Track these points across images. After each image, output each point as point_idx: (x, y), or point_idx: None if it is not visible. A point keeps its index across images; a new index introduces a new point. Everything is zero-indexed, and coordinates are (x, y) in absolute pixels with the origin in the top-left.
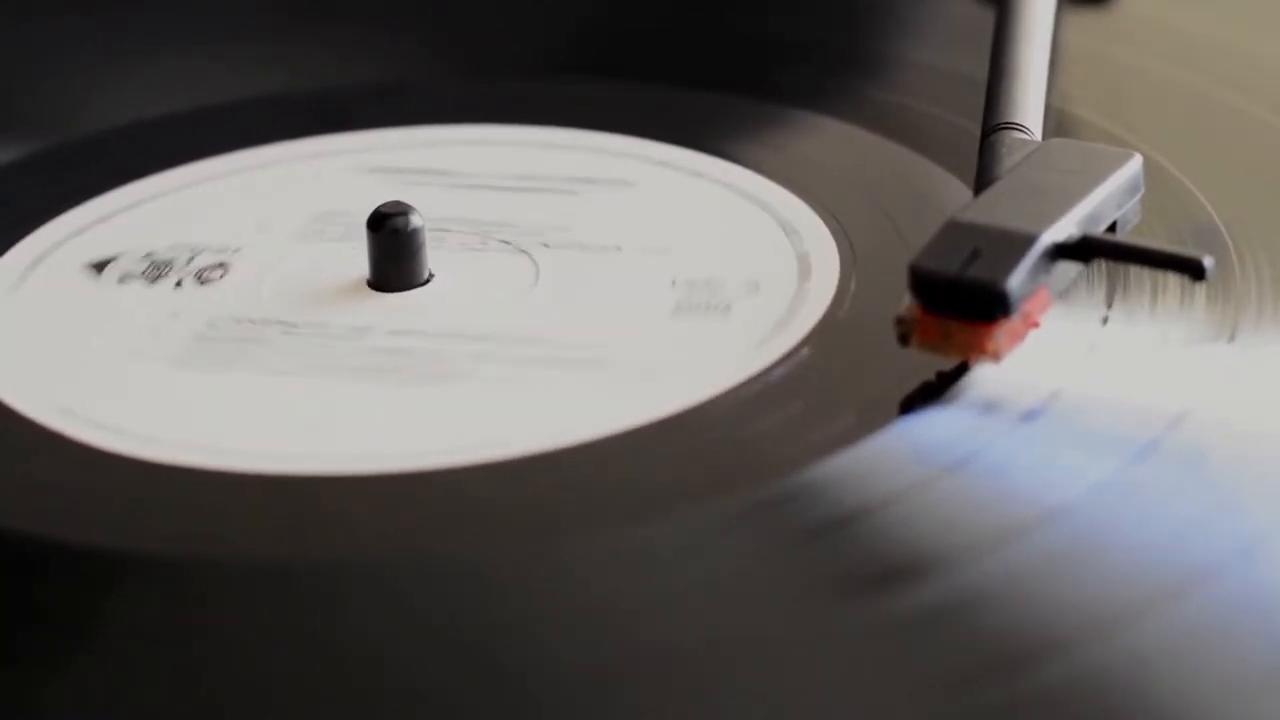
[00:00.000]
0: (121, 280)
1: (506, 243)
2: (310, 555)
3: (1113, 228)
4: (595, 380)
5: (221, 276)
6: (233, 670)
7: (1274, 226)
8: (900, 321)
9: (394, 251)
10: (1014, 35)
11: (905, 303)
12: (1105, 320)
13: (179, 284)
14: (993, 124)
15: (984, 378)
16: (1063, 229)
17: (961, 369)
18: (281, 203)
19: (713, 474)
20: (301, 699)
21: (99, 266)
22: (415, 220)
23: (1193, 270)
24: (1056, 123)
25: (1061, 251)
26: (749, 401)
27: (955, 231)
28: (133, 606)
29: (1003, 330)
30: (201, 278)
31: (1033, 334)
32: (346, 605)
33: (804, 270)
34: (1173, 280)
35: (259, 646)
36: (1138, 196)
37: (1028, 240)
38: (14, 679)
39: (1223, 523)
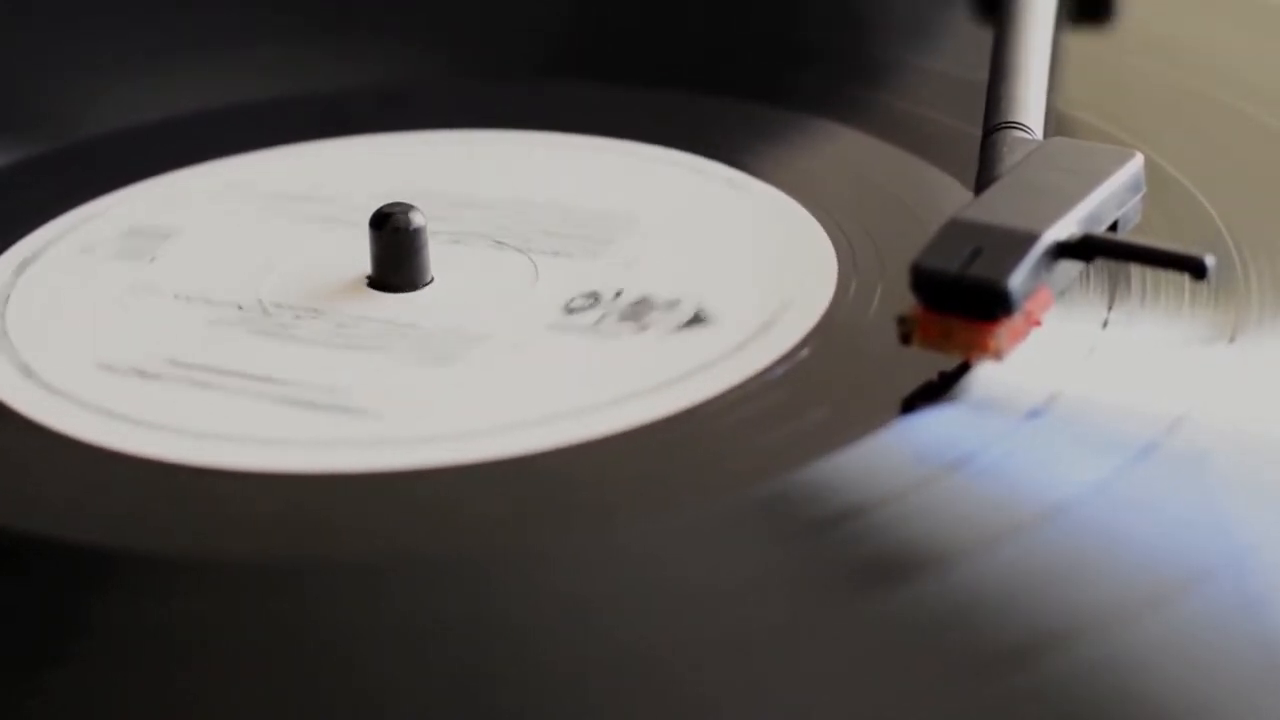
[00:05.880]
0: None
1: (506, 245)
2: (309, 555)
3: (1114, 227)
4: (594, 379)
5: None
6: (229, 670)
7: (1274, 228)
8: (902, 320)
9: (396, 250)
10: (1015, 35)
11: (907, 302)
12: (1106, 322)
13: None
14: (994, 123)
15: (985, 377)
16: (1064, 228)
17: (963, 368)
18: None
19: (713, 473)
20: (299, 698)
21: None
22: (417, 219)
23: (1194, 269)
24: (1058, 128)
25: (1063, 250)
26: (750, 401)
27: (957, 230)
28: (130, 606)
29: (1004, 329)
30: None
31: (1034, 333)
32: (345, 605)
33: (805, 270)
34: (1174, 281)
35: (256, 646)
36: (1139, 195)
37: (1029, 239)
38: (11, 678)
39: (1222, 524)
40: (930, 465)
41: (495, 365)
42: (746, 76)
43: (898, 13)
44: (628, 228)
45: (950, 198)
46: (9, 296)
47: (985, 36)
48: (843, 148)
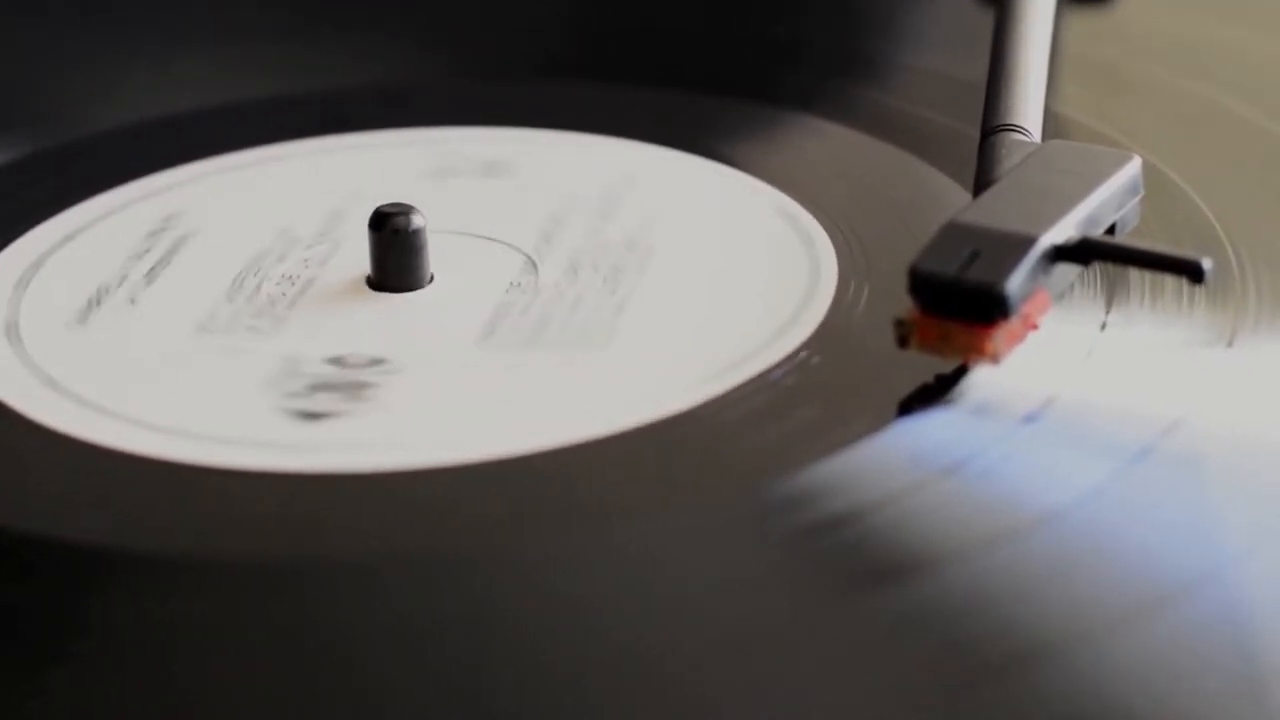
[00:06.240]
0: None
1: (506, 243)
2: (309, 555)
3: (1112, 230)
4: (593, 382)
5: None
6: (229, 670)
7: (1272, 231)
8: (899, 323)
9: (396, 251)
10: (1013, 36)
11: (904, 304)
12: (1104, 324)
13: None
14: (992, 125)
15: (982, 381)
16: (1062, 231)
17: (960, 371)
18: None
19: (712, 475)
20: (298, 699)
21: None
22: (417, 220)
23: (1192, 273)
24: (1055, 127)
25: (1060, 254)
26: (748, 403)
27: (954, 233)
28: (129, 606)
29: (1001, 332)
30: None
31: (1031, 336)
32: (344, 605)
33: (803, 273)
34: (1172, 284)
35: (254, 646)
36: (1137, 199)
37: (1027, 242)
38: (11, 678)
39: (1218, 527)
40: (928, 468)
41: (494, 362)
42: (748, 76)
43: (898, 11)
44: (623, 226)
45: (950, 199)
46: (20, 298)
47: (985, 35)
48: (844, 148)
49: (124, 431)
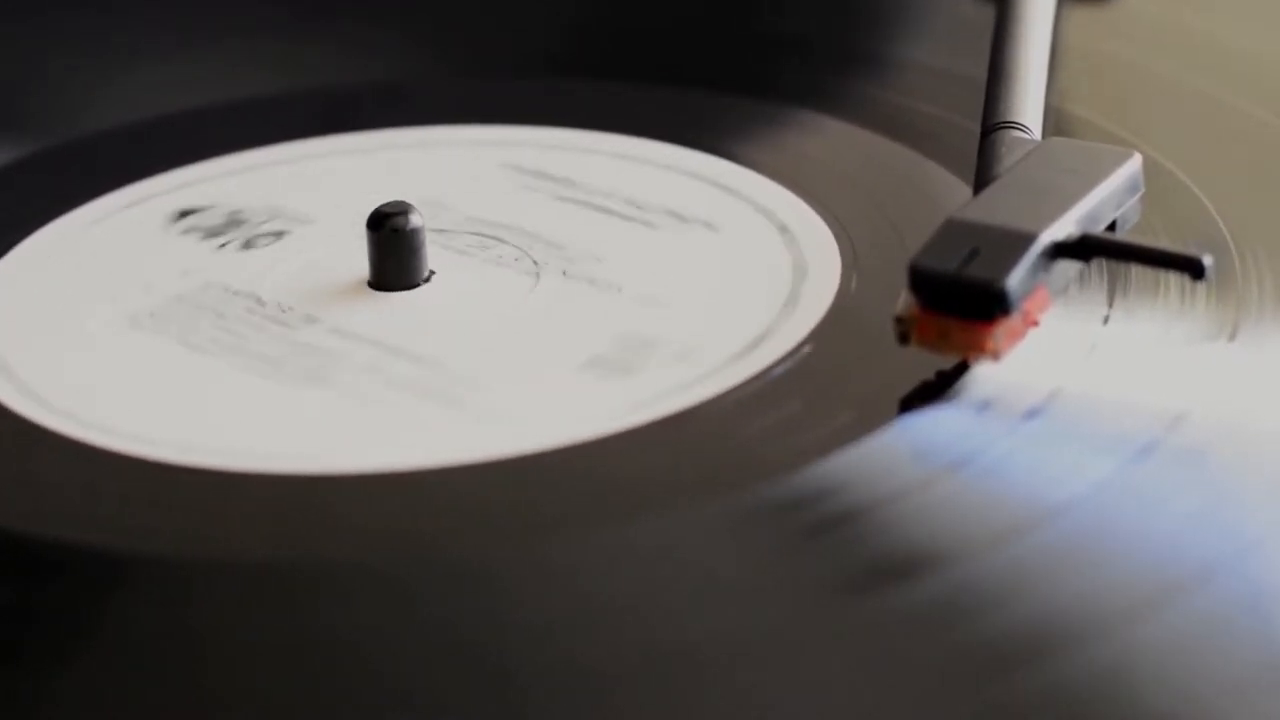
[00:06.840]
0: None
1: (505, 242)
2: (310, 555)
3: (1112, 226)
4: (595, 380)
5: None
6: (232, 670)
7: (1274, 225)
8: (899, 320)
9: (394, 251)
10: (1014, 34)
11: (904, 301)
12: (1106, 319)
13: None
14: (992, 123)
15: (984, 377)
16: (1062, 228)
17: (961, 368)
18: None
19: (713, 473)
20: (300, 699)
21: (182, 214)
22: (415, 220)
23: (1192, 269)
24: (1056, 121)
25: (1061, 250)
26: (749, 401)
27: (954, 230)
28: (132, 607)
29: (1002, 329)
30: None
31: (1032, 333)
32: (345, 605)
33: (804, 269)
34: (1173, 279)
35: (258, 646)
36: (1138, 195)
37: (1027, 239)
38: (13, 679)
39: (1222, 522)
40: (930, 465)
41: (494, 362)
42: (748, 72)
43: (899, 7)
44: (623, 224)
45: (951, 195)
46: (19, 299)
47: (987, 31)
48: (845, 144)
49: (124, 433)
